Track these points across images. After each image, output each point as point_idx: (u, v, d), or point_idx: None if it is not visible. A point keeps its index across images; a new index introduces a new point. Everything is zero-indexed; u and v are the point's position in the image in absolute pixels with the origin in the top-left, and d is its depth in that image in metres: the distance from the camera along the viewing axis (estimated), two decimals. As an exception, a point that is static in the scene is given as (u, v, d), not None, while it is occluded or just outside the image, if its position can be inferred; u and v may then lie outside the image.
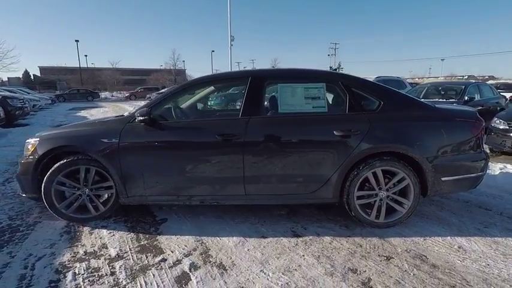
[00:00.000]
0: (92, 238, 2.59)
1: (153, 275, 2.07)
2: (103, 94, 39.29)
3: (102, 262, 2.22)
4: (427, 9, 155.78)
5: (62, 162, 2.71)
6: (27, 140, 2.96)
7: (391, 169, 2.60)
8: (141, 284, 1.98)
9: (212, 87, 3.36)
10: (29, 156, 2.81)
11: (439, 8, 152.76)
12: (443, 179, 2.61)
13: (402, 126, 2.60)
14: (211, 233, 2.64)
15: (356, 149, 2.55)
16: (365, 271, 2.09)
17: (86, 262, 2.23)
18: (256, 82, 2.74)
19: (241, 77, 2.88)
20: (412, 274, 2.05)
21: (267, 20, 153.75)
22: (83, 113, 15.78)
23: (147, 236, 2.61)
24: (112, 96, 40.29)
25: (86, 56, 51.57)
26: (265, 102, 2.92)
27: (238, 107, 2.99)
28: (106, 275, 2.07)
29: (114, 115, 3.48)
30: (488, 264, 2.15)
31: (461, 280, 1.98)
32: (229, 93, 8.07)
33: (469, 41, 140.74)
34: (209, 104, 5.64)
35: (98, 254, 2.34)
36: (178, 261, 2.23)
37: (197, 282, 1.99)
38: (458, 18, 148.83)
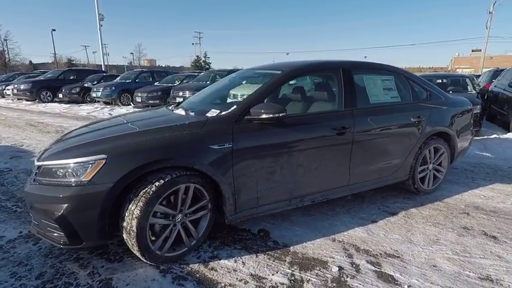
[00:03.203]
0: (224, 274, 1.99)
1: (357, 285, 1.89)
2: None
3: (290, 293, 1.81)
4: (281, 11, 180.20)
5: (158, 183, 1.88)
6: (68, 161, 1.86)
7: (437, 145, 3.27)
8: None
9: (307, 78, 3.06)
10: (89, 183, 1.79)
11: (293, 11, 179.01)
12: (460, 149, 3.51)
13: (443, 111, 3.29)
14: (330, 231, 2.55)
15: (423, 132, 3.05)
16: (472, 226, 2.65)
17: (273, 300, 1.75)
18: (347, 73, 2.76)
19: (333, 68, 2.80)
20: (494, 220, 2.76)
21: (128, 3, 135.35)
22: None
23: (279, 252, 2.25)
24: None
25: None
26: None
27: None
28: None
29: (167, 111, 2.65)
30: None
31: (517, 215, 2.86)
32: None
33: (312, 40, 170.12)
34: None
35: (267, 287, 1.86)
36: (355, 265, 2.09)
37: (401, 275, 1.98)
38: (302, 19, 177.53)
